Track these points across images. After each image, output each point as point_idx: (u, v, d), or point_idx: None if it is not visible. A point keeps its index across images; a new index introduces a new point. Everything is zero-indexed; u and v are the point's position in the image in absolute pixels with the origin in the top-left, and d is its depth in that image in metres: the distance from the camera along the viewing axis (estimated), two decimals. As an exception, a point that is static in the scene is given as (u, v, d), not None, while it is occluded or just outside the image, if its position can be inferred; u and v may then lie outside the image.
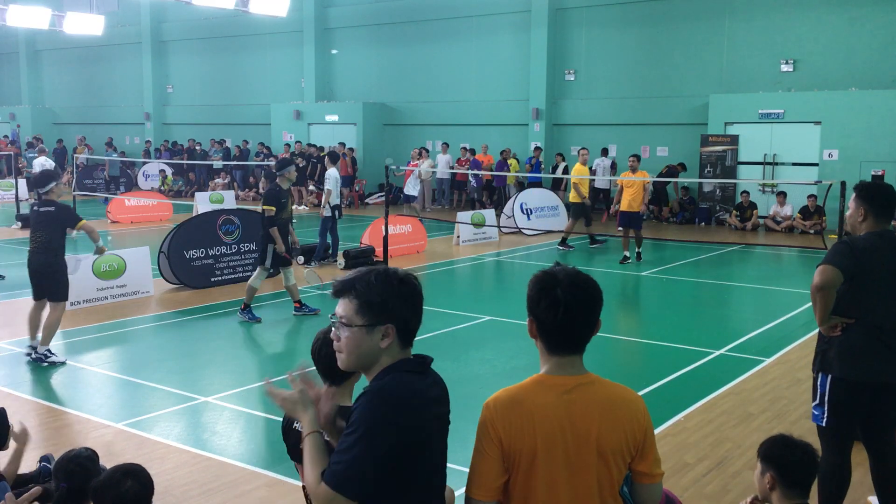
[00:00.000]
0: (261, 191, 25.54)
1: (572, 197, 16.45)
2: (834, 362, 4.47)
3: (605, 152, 22.57)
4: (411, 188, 21.63)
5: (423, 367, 2.49)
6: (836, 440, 4.55)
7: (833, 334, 4.48)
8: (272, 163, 17.17)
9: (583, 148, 17.09)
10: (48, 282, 8.32)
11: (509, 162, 23.50)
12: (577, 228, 16.65)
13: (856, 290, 4.41)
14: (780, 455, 3.36)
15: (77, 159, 23.77)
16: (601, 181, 21.51)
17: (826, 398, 4.49)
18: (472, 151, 24.40)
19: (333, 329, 2.50)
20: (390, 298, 2.43)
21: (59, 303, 8.40)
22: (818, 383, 4.55)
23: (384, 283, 2.44)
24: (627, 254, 15.12)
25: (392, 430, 2.31)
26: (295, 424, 3.09)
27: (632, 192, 14.79)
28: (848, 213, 4.67)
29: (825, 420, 4.52)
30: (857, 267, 4.37)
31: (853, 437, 4.64)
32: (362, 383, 2.55)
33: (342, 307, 2.46)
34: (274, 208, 9.94)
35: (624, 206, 14.83)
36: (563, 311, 2.47)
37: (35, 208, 8.34)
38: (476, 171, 23.33)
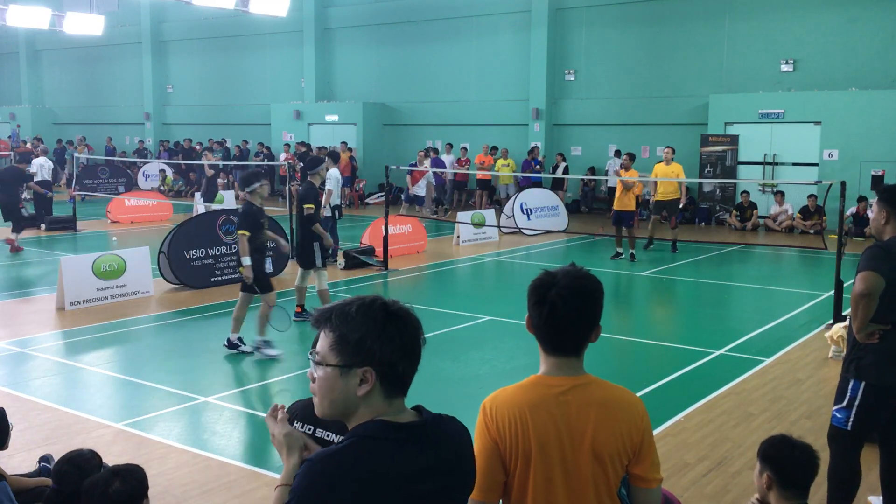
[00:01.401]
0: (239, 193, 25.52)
1: (661, 195, 15.81)
2: (871, 370, 4.43)
3: (617, 153, 22.56)
4: (419, 188, 21.63)
5: (408, 431, 2.00)
6: (853, 443, 4.55)
7: (870, 341, 4.42)
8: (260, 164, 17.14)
9: (667, 147, 16.52)
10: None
11: (508, 161, 23.45)
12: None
13: (891, 294, 4.33)
14: (778, 455, 3.36)
15: (77, 159, 23.80)
16: (612, 181, 21.50)
17: (856, 403, 4.47)
18: (436, 150, 24.12)
19: (311, 367, 2.10)
20: (369, 336, 1.98)
21: (240, 293, 8.81)
22: (849, 388, 4.51)
23: (365, 316, 1.99)
24: (620, 250, 15.19)
25: None
26: (295, 424, 3.06)
27: (622, 190, 14.84)
28: (871, 217, 4.61)
29: (850, 424, 4.49)
30: (893, 271, 4.31)
31: (867, 440, 4.64)
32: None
33: (320, 341, 2.06)
34: (313, 206, 10.01)
35: (616, 205, 14.93)
36: (549, 311, 2.47)
37: None
38: (442, 171, 23.27)
